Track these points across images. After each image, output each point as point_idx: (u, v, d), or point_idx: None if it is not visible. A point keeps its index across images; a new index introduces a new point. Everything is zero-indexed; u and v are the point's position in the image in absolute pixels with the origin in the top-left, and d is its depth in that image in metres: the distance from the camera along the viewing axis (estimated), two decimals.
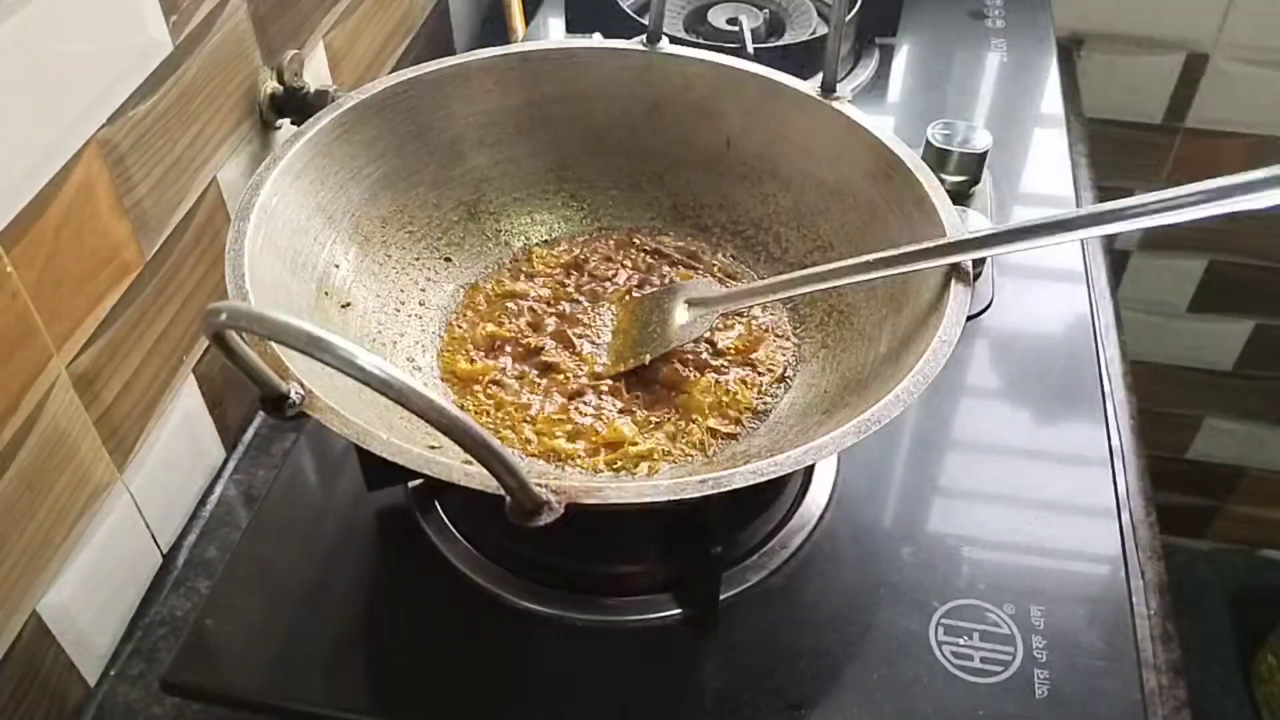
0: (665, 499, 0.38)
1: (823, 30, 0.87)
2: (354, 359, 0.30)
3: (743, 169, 0.62)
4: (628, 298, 0.60)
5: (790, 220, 0.61)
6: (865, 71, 0.90)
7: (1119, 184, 1.17)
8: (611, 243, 0.63)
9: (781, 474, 0.39)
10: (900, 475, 0.58)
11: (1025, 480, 0.58)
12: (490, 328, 0.58)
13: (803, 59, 0.79)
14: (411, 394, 0.31)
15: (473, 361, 0.56)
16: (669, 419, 0.54)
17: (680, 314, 0.57)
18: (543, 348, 0.57)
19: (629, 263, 0.62)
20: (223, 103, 0.60)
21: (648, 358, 0.55)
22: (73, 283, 0.49)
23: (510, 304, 0.59)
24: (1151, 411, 1.35)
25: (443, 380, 0.56)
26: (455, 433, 0.31)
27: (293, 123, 0.65)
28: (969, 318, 0.47)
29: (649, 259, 0.63)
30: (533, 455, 0.52)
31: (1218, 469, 1.48)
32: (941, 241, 0.48)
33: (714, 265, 0.62)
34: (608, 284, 0.61)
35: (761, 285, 0.56)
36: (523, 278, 0.61)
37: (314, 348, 0.30)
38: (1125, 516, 0.58)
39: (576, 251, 0.63)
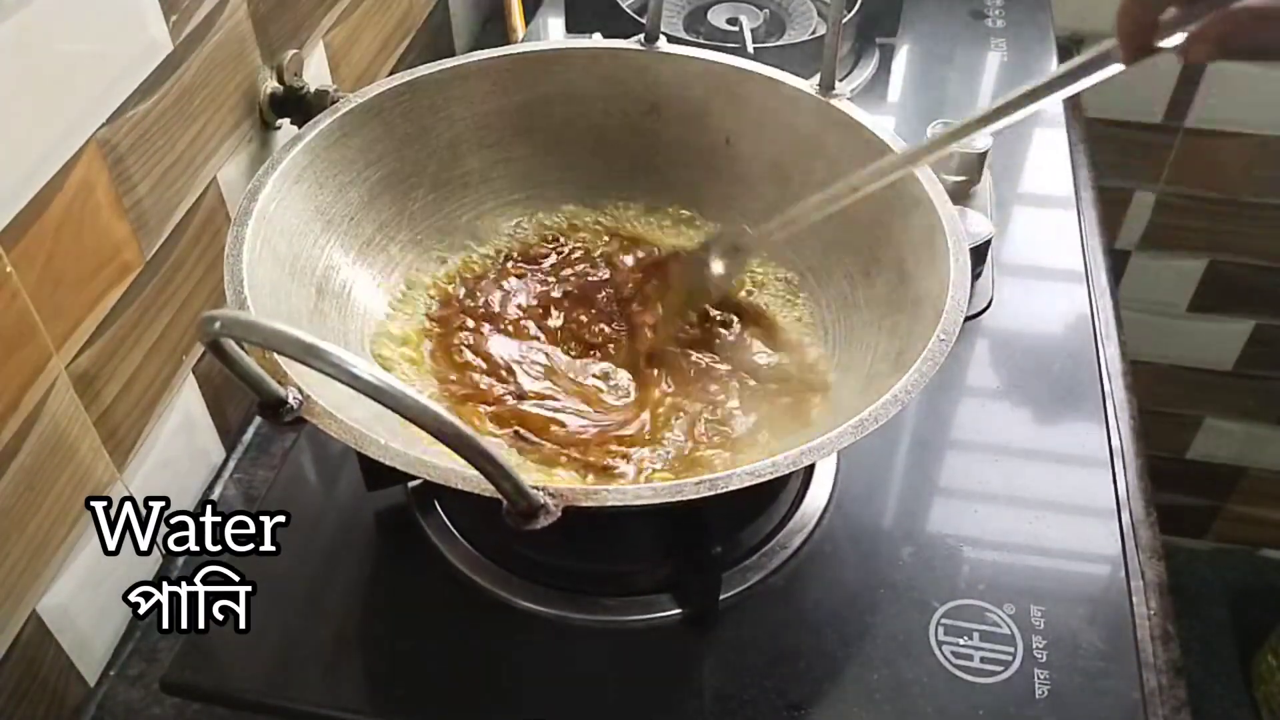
0: (663, 501, 0.38)
1: (823, 30, 0.87)
2: (349, 367, 0.30)
3: (742, 168, 0.62)
4: (669, 264, 0.60)
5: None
6: (865, 71, 0.90)
7: (1119, 184, 1.17)
8: (611, 241, 0.63)
9: (781, 474, 0.39)
10: (900, 475, 0.58)
11: (1025, 480, 0.58)
12: (493, 326, 0.58)
13: (803, 59, 0.78)
14: (407, 401, 0.31)
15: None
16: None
17: (715, 266, 0.58)
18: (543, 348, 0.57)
19: (627, 259, 0.62)
20: (222, 103, 0.60)
21: (693, 315, 0.58)
22: (72, 283, 0.49)
23: (511, 304, 0.59)
24: (1151, 411, 1.34)
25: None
26: (452, 439, 0.31)
27: (293, 123, 0.65)
28: (969, 318, 0.47)
29: (646, 256, 0.62)
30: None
31: (1218, 469, 1.47)
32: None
33: (711, 263, 0.62)
34: (606, 282, 0.61)
35: (774, 224, 0.55)
36: (523, 277, 0.61)
37: (309, 356, 0.30)
38: (1125, 516, 0.58)
39: (577, 250, 0.63)
